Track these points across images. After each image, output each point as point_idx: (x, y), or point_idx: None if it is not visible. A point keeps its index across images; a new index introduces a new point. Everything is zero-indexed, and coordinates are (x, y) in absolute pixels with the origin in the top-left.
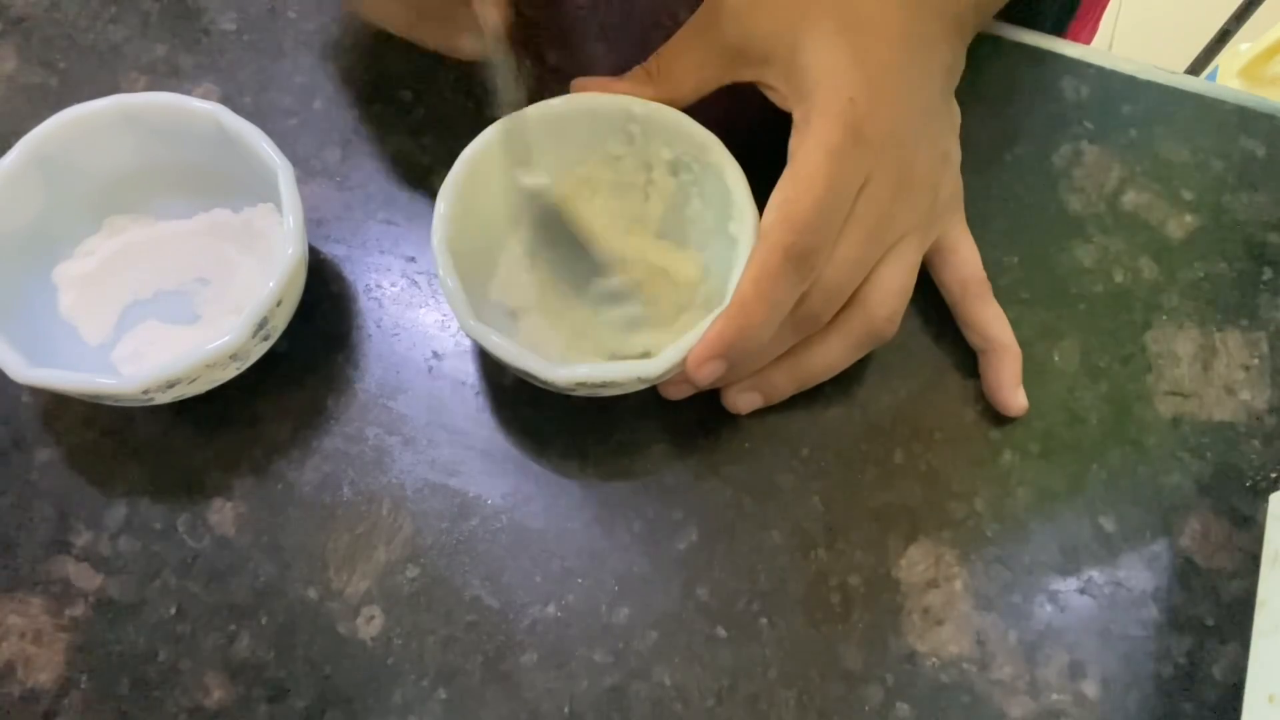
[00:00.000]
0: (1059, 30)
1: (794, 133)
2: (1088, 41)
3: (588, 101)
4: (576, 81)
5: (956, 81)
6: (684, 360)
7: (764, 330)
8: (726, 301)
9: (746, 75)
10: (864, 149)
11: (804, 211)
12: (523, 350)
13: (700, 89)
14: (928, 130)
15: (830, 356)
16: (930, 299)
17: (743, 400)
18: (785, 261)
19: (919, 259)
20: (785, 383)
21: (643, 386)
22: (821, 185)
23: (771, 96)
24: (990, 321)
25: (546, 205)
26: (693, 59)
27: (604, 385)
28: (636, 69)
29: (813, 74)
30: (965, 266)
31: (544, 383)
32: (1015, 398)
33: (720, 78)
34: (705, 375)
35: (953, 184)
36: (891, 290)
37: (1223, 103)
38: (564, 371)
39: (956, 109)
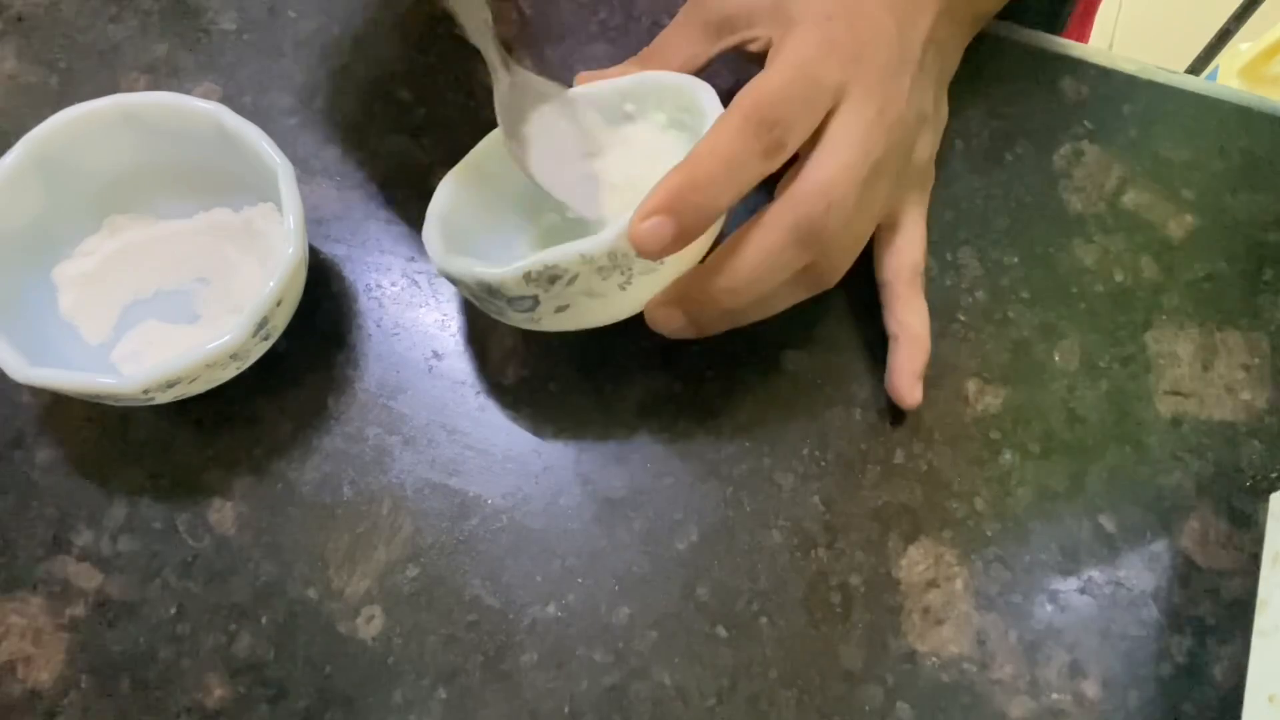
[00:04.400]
0: (1054, 19)
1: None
2: (1084, 40)
3: (581, 93)
4: (579, 77)
5: (947, 66)
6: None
7: (713, 189)
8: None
9: (734, 40)
10: (839, 56)
11: (768, 85)
12: (471, 261)
13: (689, 65)
14: (905, 79)
15: (760, 250)
16: (929, 299)
17: (660, 314)
18: (744, 121)
19: (885, 201)
20: (712, 284)
21: (591, 269)
22: (791, 70)
23: (758, 49)
24: (912, 311)
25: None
26: (679, 37)
27: (550, 269)
28: (629, 60)
29: (796, 8)
30: (908, 250)
31: (498, 286)
32: (913, 390)
33: (708, 51)
34: (648, 232)
35: (929, 152)
36: (838, 182)
37: (1223, 103)
38: (510, 269)
39: (944, 106)
